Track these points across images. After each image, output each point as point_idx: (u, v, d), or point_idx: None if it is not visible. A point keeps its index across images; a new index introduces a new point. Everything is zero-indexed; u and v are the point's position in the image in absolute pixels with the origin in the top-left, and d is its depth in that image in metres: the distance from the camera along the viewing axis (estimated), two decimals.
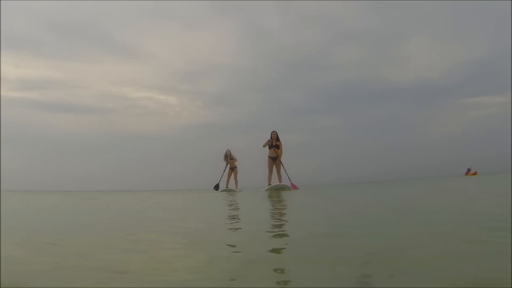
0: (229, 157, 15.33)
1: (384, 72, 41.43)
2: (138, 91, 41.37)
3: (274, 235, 2.26)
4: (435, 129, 40.24)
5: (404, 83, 40.41)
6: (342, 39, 41.06)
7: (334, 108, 42.26)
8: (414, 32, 41.19)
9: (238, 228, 2.75)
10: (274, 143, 12.26)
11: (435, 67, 40.45)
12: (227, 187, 15.22)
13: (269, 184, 12.09)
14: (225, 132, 37.75)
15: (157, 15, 41.10)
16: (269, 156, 12.35)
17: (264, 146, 12.33)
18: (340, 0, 38.83)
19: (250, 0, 40.17)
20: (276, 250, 1.80)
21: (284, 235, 2.30)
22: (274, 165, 12.27)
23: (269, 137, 12.38)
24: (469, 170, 31.23)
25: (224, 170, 15.45)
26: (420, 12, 40.02)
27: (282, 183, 11.81)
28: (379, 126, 40.94)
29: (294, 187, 12.19)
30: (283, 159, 12.38)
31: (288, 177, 12.38)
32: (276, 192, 10.48)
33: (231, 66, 41.55)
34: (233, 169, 15.41)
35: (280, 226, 2.77)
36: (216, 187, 15.45)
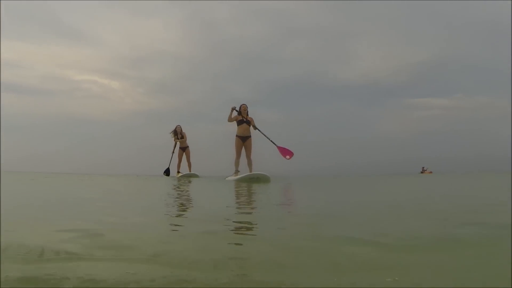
0: (179, 134, 12.42)
1: (331, 69, 41.22)
2: (82, 74, 38.71)
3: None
4: (379, 128, 40.55)
5: (350, 81, 40.39)
6: (292, 35, 40.48)
7: (278, 103, 41.26)
8: (363, 31, 41.35)
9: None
10: (245, 118, 9.55)
11: (381, 67, 40.79)
12: (179, 172, 12.29)
13: (237, 171, 9.38)
14: (166, 120, 35.93)
15: None
16: (237, 135, 9.56)
17: (229, 120, 9.56)
18: None
19: None
20: None
21: None
22: (244, 147, 9.57)
23: (235, 112, 9.63)
24: (423, 169, 31.04)
25: (173, 151, 12.52)
26: (371, 12, 40.28)
27: (257, 172, 8.75)
28: (324, 122, 40.59)
29: (285, 150, 9.56)
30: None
31: (272, 141, 9.58)
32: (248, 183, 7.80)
33: (177, 54, 39.91)
34: (184, 149, 12.50)
35: None
36: (167, 172, 12.53)
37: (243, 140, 9.52)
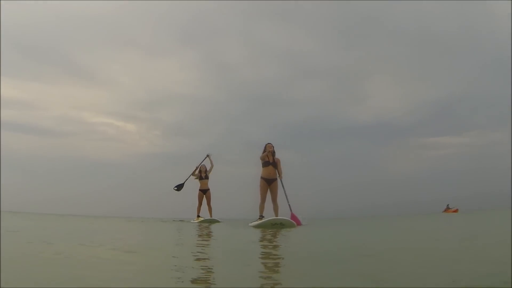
0: (203, 173, 11.78)
1: (344, 110, 41.11)
2: (97, 116, 39.43)
3: None
4: (393, 168, 39.69)
5: (363, 121, 40.08)
6: (304, 76, 40.89)
7: (294, 143, 41.11)
8: (376, 71, 41.48)
9: None
10: (271, 160, 8.91)
11: (394, 106, 40.49)
12: (199, 216, 11.56)
13: (261, 216, 8.64)
14: (183, 162, 35.68)
15: (120, 41, 39.87)
16: (262, 177, 8.91)
17: (262, 158, 8.90)
18: (303, 36, 38.39)
19: (214, 32, 39.26)
20: None
21: None
22: (269, 190, 8.87)
23: (262, 151, 9.03)
24: (448, 206, 29.56)
25: (193, 173, 11.80)
26: (384, 51, 40.59)
27: (281, 217, 8.15)
28: (338, 163, 40.05)
29: (296, 220, 8.90)
30: (285, 180, 8.99)
31: (289, 205, 9.02)
32: (273, 229, 7.14)
33: (192, 97, 40.52)
34: (205, 192, 11.80)
35: None
36: (179, 187, 11.74)
37: (269, 182, 8.83)
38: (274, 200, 8.78)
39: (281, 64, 41.44)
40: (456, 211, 27.37)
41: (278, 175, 8.87)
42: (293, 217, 8.85)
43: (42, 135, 35.50)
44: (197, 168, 11.78)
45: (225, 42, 40.63)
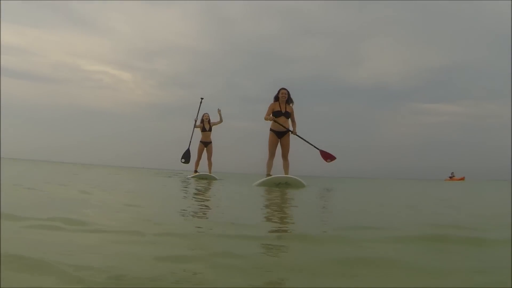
0: (207, 125, 10.40)
1: (342, 70, 39.55)
2: (93, 64, 37.62)
3: None
4: (387, 132, 38.95)
5: (360, 83, 38.75)
6: (305, 35, 38.87)
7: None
8: (377, 33, 39.59)
9: None
10: (284, 110, 7.45)
11: (392, 71, 38.94)
12: (196, 171, 10.31)
13: (268, 175, 7.34)
14: (176, 113, 34.40)
15: None
16: (271, 130, 7.52)
17: (267, 118, 7.46)
18: None
19: None
20: None
21: None
22: (280, 143, 7.52)
23: (272, 101, 7.55)
24: (452, 174, 28.69)
25: (192, 135, 10.44)
26: (387, 13, 38.57)
27: (289, 175, 6.94)
28: (332, 123, 39.20)
29: (327, 155, 7.66)
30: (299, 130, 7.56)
31: (312, 144, 7.66)
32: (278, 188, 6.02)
33: (191, 48, 38.52)
34: (206, 144, 10.48)
35: None
36: (186, 157, 10.50)
37: (279, 135, 7.46)
38: (284, 156, 7.47)
39: (282, 21, 39.45)
40: (462, 179, 26.52)
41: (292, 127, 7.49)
42: (324, 154, 7.66)
43: (37, 81, 34.12)
44: (196, 120, 10.37)
45: None
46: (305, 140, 7.55)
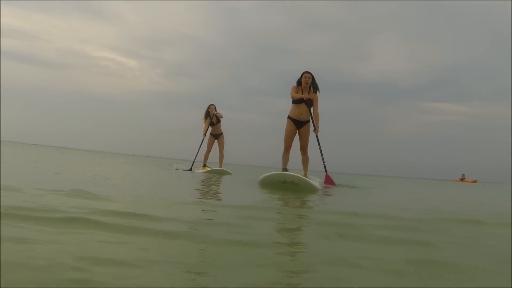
0: (214, 117, 9.56)
1: (347, 65, 38.78)
2: (100, 50, 36.93)
3: None
4: (392, 128, 38.39)
5: (365, 79, 38.01)
6: (311, 28, 38.00)
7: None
8: (383, 28, 38.61)
9: None
10: (306, 97, 6.55)
11: (398, 67, 38.08)
12: (205, 165, 9.55)
13: (285, 170, 6.44)
14: (181, 103, 33.73)
15: None
16: (289, 117, 6.63)
17: (293, 96, 6.49)
18: None
19: None
20: None
21: None
22: (298, 134, 6.65)
23: (295, 83, 6.64)
24: (463, 176, 27.77)
25: (203, 138, 9.65)
26: (393, 9, 37.51)
27: (297, 175, 5.61)
28: (337, 118, 38.82)
29: (329, 180, 6.86)
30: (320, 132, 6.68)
31: (324, 165, 6.96)
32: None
33: (198, 39, 37.81)
34: (217, 137, 9.66)
35: None
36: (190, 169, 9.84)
37: (298, 125, 6.58)
38: (303, 148, 6.59)
39: (289, 14, 38.55)
40: (475, 181, 25.62)
41: (312, 120, 6.60)
42: (328, 179, 6.89)
43: (43, 66, 33.53)
44: (205, 116, 9.48)
45: None
46: (320, 151, 6.80)
